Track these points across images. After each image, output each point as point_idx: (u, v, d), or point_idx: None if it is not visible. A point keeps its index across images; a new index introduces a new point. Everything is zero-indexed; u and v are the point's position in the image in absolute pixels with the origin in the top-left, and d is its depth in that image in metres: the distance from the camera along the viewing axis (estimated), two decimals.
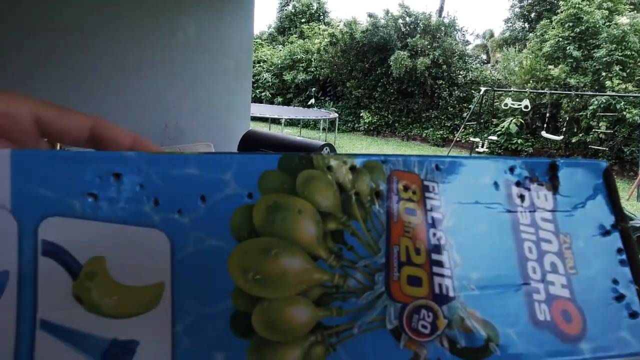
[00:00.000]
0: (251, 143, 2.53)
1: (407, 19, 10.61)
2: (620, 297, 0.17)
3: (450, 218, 0.16)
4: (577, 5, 7.97)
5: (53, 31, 1.97)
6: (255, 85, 11.60)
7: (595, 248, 0.17)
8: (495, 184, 0.17)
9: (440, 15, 12.06)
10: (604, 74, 7.56)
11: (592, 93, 7.25)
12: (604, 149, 7.06)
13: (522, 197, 0.17)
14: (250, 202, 0.14)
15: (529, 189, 0.17)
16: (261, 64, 12.20)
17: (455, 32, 11.14)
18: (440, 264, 0.16)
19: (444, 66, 9.69)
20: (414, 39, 9.92)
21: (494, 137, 8.05)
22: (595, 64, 7.71)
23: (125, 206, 0.13)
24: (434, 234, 0.16)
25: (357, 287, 0.15)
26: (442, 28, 10.42)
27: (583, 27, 7.93)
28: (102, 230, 0.13)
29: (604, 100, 7.10)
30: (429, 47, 9.79)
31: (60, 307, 0.12)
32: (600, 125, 7.24)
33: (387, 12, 10.89)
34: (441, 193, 0.16)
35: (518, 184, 0.17)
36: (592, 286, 0.17)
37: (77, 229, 0.13)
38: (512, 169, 0.17)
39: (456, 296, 0.15)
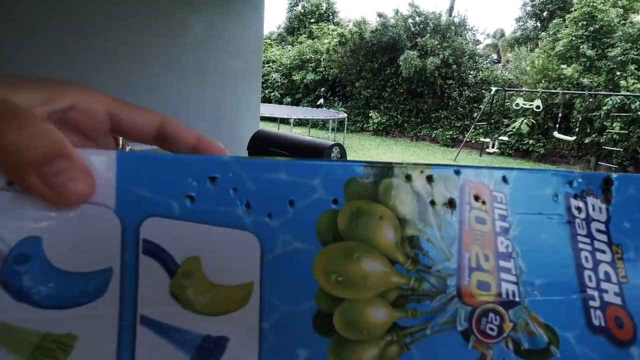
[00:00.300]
0: (260, 143, 2.53)
1: (417, 18, 10.54)
2: None
3: (516, 227, 0.17)
4: (591, 4, 7.84)
5: (53, 31, 1.95)
6: (264, 85, 11.63)
7: None
8: (556, 196, 0.18)
9: (450, 15, 11.97)
10: (618, 73, 7.42)
11: (606, 93, 7.12)
12: (618, 149, 6.92)
13: (579, 209, 0.18)
14: (335, 207, 0.15)
15: (585, 202, 0.18)
16: (270, 64, 12.24)
17: (465, 32, 11.04)
18: (507, 270, 0.17)
19: (454, 66, 9.61)
20: (423, 39, 9.86)
21: (505, 138, 7.95)
22: (609, 63, 7.57)
23: (220, 209, 0.14)
24: (502, 242, 0.17)
25: (431, 290, 0.16)
26: (452, 27, 10.33)
27: (597, 26, 7.79)
28: (197, 231, 0.14)
29: (619, 100, 6.97)
30: (438, 46, 9.72)
31: (158, 303, 0.13)
32: (614, 125, 7.11)
33: (397, 11, 10.85)
34: (508, 203, 0.17)
35: (576, 196, 0.18)
36: None
37: (175, 229, 0.13)
38: (570, 182, 0.18)
39: (521, 301, 0.16)
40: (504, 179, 0.17)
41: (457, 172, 0.17)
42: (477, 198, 0.17)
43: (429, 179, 0.16)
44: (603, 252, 0.18)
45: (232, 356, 0.14)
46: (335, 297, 0.15)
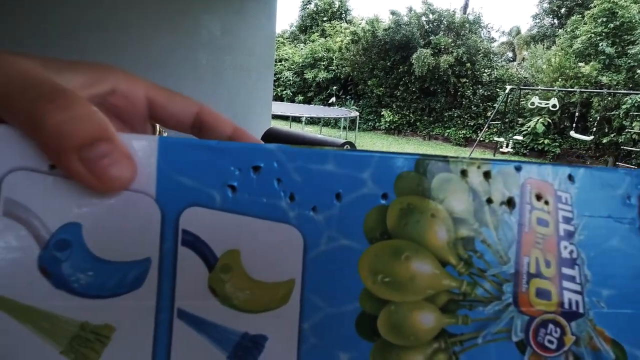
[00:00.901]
0: (272, 141, 2.54)
1: (431, 16, 10.44)
2: None
3: (582, 231, 0.16)
4: (611, 0, 7.64)
5: (56, 30, 1.94)
6: (276, 83, 11.68)
7: None
8: (628, 198, 0.16)
9: (464, 12, 11.81)
10: (639, 71, 7.22)
11: (625, 91, 6.94)
12: (638, 150, 6.74)
13: None
14: (385, 202, 0.14)
15: None
16: (283, 62, 12.27)
17: (480, 29, 10.88)
18: (570, 278, 0.15)
19: (468, 64, 9.48)
20: (437, 37, 9.76)
21: (519, 137, 7.82)
22: (629, 60, 7.37)
23: (262, 200, 0.13)
24: (565, 247, 0.15)
25: (485, 297, 0.15)
26: (467, 25, 10.19)
27: (617, 23, 7.59)
28: (238, 223, 0.13)
29: (639, 99, 6.78)
30: (452, 44, 9.60)
31: (196, 297, 0.13)
32: (633, 125, 6.92)
33: (410, 9, 10.76)
34: (574, 204, 0.16)
35: None
36: None
37: (215, 220, 0.13)
38: None
39: (585, 313, 0.15)
40: (570, 178, 0.16)
41: (518, 169, 0.15)
42: (539, 197, 0.15)
43: (487, 175, 0.15)
44: None
45: (271, 356, 0.13)
46: (380, 299, 0.14)
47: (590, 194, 0.16)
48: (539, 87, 8.15)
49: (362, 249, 0.14)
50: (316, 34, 13.43)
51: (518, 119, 8.40)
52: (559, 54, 8.51)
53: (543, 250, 0.15)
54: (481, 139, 8.02)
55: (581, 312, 0.15)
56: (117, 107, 0.18)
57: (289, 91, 12.03)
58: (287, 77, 12.09)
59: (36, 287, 0.12)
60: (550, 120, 8.03)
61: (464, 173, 0.15)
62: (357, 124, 8.87)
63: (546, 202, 0.15)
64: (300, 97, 11.88)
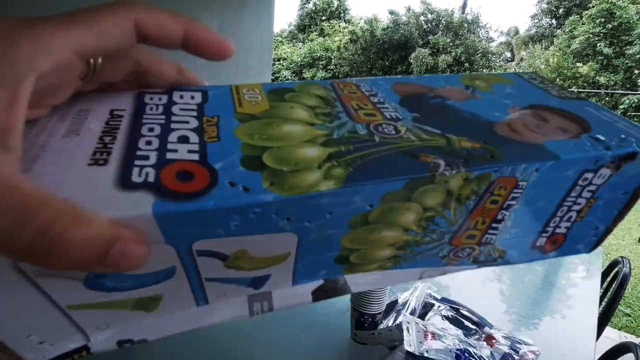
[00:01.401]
0: None
1: (429, 15, 10.45)
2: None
3: (520, 201, 0.19)
4: (610, 0, 7.66)
5: None
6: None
7: None
8: (573, 177, 0.19)
9: (463, 12, 11.82)
10: (636, 71, 7.24)
11: (623, 92, 6.96)
12: None
13: (585, 179, 0.19)
14: (370, 209, 0.16)
15: (596, 172, 0.19)
16: (281, 61, 12.26)
17: (478, 29, 10.90)
18: (494, 229, 0.20)
19: (466, 64, 9.50)
20: (435, 37, 9.77)
21: None
22: (627, 61, 7.40)
23: (262, 225, 0.15)
24: (502, 213, 0.19)
25: (430, 240, 0.19)
26: (465, 25, 10.21)
27: (616, 23, 7.61)
28: (244, 240, 0.16)
29: (636, 99, 6.80)
30: (451, 44, 9.62)
31: (218, 273, 0.17)
32: None
33: (409, 9, 10.77)
34: (526, 187, 0.18)
35: (589, 170, 0.18)
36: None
37: (223, 242, 0.15)
38: (596, 161, 0.18)
39: (493, 243, 0.20)
40: (537, 170, 0.17)
41: (496, 171, 0.17)
42: (500, 188, 0.18)
43: (466, 180, 0.17)
44: (579, 204, 0.20)
45: (275, 281, 0.18)
46: (351, 249, 0.18)
47: (545, 178, 0.18)
48: None
49: (344, 233, 0.17)
50: (315, 33, 13.42)
51: None
52: (557, 54, 8.53)
53: (484, 216, 0.19)
54: None
55: (490, 243, 0.20)
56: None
57: None
58: (285, 76, 12.08)
59: (96, 293, 0.16)
60: None
61: (446, 182, 0.17)
62: None
63: (504, 189, 0.18)
64: None
